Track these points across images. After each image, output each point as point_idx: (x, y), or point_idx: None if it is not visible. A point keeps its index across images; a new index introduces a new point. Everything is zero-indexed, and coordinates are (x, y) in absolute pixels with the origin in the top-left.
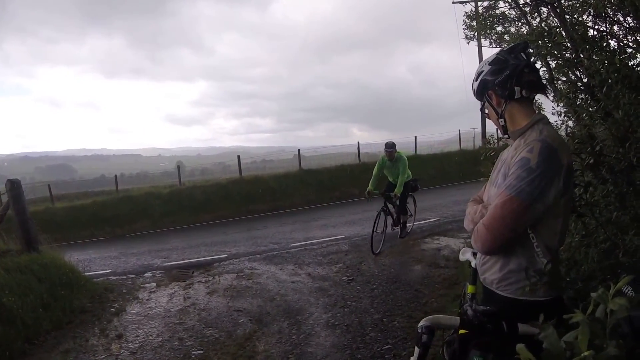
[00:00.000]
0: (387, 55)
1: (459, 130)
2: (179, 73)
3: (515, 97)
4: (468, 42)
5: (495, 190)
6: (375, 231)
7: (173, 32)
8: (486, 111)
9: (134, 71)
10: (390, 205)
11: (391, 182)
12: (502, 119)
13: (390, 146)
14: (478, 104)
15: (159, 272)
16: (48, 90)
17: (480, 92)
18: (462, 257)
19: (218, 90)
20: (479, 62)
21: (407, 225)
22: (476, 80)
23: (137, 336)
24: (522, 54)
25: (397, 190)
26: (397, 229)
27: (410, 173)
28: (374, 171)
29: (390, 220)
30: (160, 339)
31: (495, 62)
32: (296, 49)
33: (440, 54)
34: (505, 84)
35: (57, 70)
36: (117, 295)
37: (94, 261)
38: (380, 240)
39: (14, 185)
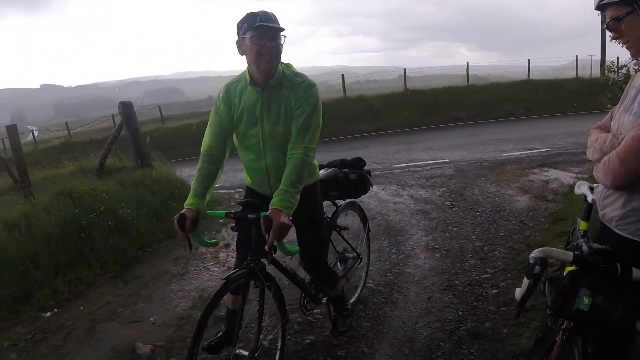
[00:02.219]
0: None
1: (577, 56)
2: None
3: None
4: None
5: (630, 119)
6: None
7: None
8: (622, 25)
9: None
10: (265, 258)
11: (262, 174)
12: None
13: (266, 18)
14: (596, 28)
15: None
16: (148, 14)
17: None
18: (577, 191)
19: (319, 9)
20: None
21: (348, 301)
22: None
23: None
24: None
25: (280, 203)
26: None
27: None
28: (206, 137)
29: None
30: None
31: None
32: None
33: None
34: None
35: None
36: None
37: None
38: None
39: (126, 107)
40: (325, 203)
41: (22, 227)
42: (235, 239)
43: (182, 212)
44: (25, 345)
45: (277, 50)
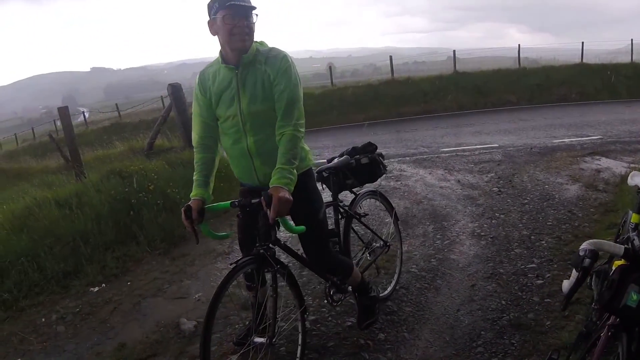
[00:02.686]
0: None
1: (632, 40)
2: None
3: None
4: None
5: None
6: None
7: None
8: None
9: None
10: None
11: (245, 159)
12: None
13: None
14: None
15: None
16: None
17: None
18: (630, 182)
19: None
20: None
21: (371, 289)
22: None
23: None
24: None
25: (278, 181)
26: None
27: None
28: (194, 129)
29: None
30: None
31: None
32: None
33: None
34: None
35: None
36: None
37: None
38: None
39: (175, 89)
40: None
41: (73, 205)
42: None
43: (187, 203)
44: (72, 318)
45: (250, 29)
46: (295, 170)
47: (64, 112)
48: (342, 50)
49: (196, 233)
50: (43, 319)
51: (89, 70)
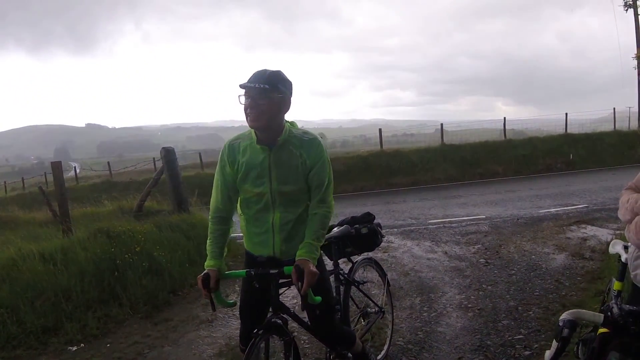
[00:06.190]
0: (533, 22)
1: (614, 108)
2: (316, 45)
3: None
4: (626, 10)
5: None
6: None
7: (308, 3)
8: None
9: (272, 44)
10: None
11: (267, 233)
12: None
13: (251, 78)
14: (634, 78)
15: None
16: (193, 65)
17: None
18: (611, 250)
19: (357, 62)
20: (637, 30)
21: (371, 355)
22: None
23: None
24: None
25: (306, 255)
26: None
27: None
28: (213, 198)
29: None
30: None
31: None
32: (435, 16)
33: (592, 20)
34: None
35: (199, 46)
36: None
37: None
38: None
39: (168, 152)
40: (341, 260)
41: (58, 261)
42: None
43: (205, 272)
44: None
45: (259, 110)
46: (319, 250)
47: (57, 167)
48: (333, 122)
49: (213, 301)
50: None
51: (83, 125)
